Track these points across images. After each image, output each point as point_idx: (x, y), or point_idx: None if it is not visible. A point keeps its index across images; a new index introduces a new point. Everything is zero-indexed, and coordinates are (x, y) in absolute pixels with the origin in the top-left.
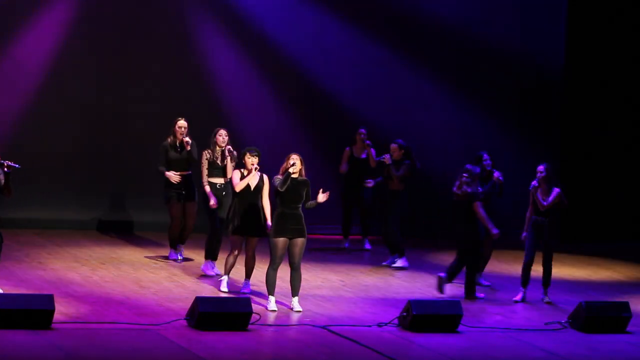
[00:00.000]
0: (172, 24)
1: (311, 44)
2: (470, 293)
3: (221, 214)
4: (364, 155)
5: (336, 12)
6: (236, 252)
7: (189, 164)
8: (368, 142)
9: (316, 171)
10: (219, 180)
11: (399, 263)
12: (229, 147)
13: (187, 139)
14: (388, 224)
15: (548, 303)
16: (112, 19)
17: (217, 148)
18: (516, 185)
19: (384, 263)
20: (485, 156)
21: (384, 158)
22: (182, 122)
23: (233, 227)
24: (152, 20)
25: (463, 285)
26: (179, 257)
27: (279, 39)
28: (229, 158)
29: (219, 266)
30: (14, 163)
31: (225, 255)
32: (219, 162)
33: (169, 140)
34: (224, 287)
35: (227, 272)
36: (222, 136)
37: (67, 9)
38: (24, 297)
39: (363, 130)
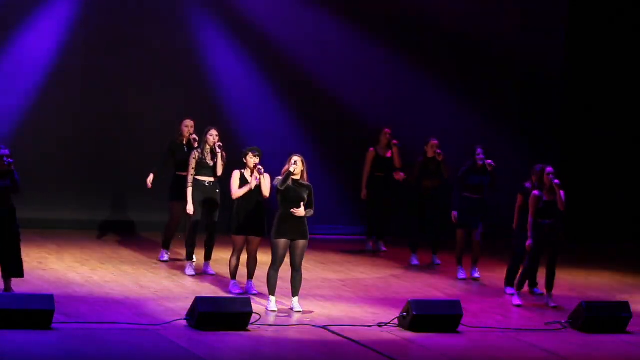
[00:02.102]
0: (173, 24)
1: (311, 43)
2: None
3: (213, 216)
4: (388, 154)
5: (336, 12)
6: (239, 253)
7: None
8: (395, 141)
9: (316, 171)
10: (208, 179)
11: (416, 261)
12: (219, 144)
13: (194, 136)
14: (438, 222)
15: (555, 308)
16: (112, 19)
17: (207, 147)
18: (516, 186)
19: (436, 263)
20: (479, 150)
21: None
22: (189, 122)
23: (235, 227)
24: (152, 20)
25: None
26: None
27: (279, 39)
28: (219, 155)
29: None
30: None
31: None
32: (207, 160)
33: (177, 140)
34: (235, 290)
35: (234, 275)
36: (213, 136)
37: (67, 9)
38: (24, 297)
39: (388, 130)
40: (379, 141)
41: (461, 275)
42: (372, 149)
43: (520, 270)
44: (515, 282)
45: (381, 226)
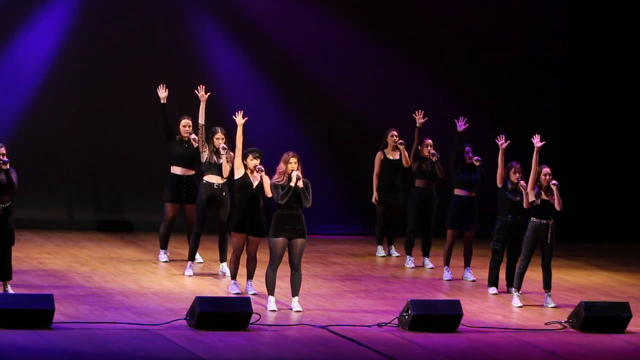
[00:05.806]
0: (173, 24)
1: (311, 44)
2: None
3: (222, 217)
4: (397, 156)
5: (336, 11)
6: (239, 253)
7: (193, 162)
8: (401, 141)
9: (316, 171)
10: (217, 180)
11: (411, 263)
12: (223, 145)
13: (194, 136)
14: (431, 223)
15: (554, 308)
16: (112, 19)
17: (214, 147)
18: None
19: (428, 267)
20: (467, 148)
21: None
22: (185, 121)
23: (234, 224)
24: (152, 20)
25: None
26: (221, 272)
27: (279, 39)
28: (224, 156)
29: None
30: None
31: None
32: (216, 160)
33: (177, 137)
34: (234, 291)
35: (233, 275)
36: (219, 139)
37: (67, 9)
38: (24, 297)
39: (395, 132)
40: (386, 144)
41: (447, 276)
42: (380, 152)
43: (517, 270)
44: (514, 283)
45: (392, 230)
